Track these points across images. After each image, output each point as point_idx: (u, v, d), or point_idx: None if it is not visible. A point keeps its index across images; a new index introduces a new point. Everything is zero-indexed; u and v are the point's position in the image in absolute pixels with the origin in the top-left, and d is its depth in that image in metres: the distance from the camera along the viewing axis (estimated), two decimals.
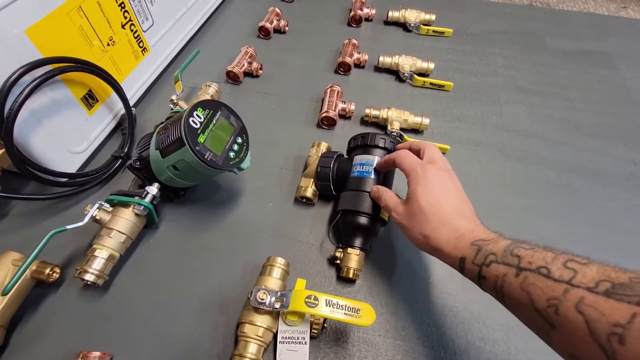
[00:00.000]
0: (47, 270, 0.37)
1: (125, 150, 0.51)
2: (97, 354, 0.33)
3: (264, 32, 0.71)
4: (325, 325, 0.36)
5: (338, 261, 0.40)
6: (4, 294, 0.33)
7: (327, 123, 0.55)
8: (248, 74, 0.64)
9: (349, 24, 0.74)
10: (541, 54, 0.69)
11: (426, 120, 0.53)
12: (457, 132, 0.56)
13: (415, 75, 0.61)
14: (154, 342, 0.36)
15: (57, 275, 0.38)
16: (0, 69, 0.37)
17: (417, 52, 0.65)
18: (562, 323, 0.21)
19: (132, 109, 0.53)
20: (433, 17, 0.73)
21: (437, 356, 0.36)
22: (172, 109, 0.50)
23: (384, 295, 0.40)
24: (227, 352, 0.36)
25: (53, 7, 0.41)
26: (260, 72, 0.63)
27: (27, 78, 0.39)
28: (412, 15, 0.72)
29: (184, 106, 0.50)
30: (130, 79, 0.55)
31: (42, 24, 0.40)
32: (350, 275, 0.38)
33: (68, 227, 0.36)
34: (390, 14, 0.73)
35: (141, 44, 0.57)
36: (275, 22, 0.71)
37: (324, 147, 0.49)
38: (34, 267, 0.37)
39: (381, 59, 0.63)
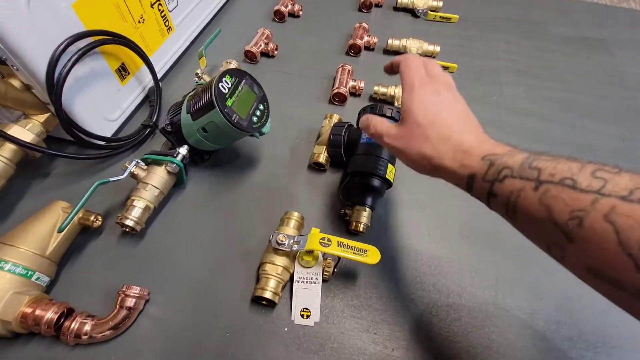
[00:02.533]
0: (92, 218, 0.42)
1: (154, 120, 0.55)
2: (136, 288, 0.38)
3: (279, 16, 0.75)
4: (335, 270, 0.41)
5: (347, 217, 0.44)
6: (59, 231, 0.38)
7: (338, 99, 0.59)
8: (264, 54, 0.68)
9: (359, 10, 0.78)
10: (542, 40, 0.73)
11: None
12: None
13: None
14: (183, 282, 0.42)
15: (100, 223, 0.43)
16: (50, 38, 0.41)
17: (424, 36, 0.68)
18: (585, 235, 0.20)
19: (159, 82, 0.57)
20: (440, 3, 0.76)
21: (432, 298, 0.41)
22: (196, 82, 0.55)
23: (386, 247, 0.44)
24: (248, 291, 0.41)
25: None
26: (275, 52, 0.68)
27: (73, 48, 0.43)
28: (420, 2, 0.76)
29: (208, 80, 0.55)
30: (156, 55, 0.60)
31: (84, 0, 0.45)
32: (360, 229, 0.43)
33: (111, 179, 0.42)
34: (399, 0, 0.76)
35: (167, 23, 0.61)
36: (289, 7, 0.75)
37: (335, 118, 0.53)
38: (80, 215, 0.42)
39: (390, 41, 0.67)
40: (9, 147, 0.43)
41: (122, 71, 0.53)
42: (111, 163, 0.52)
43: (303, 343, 0.38)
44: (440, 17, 0.76)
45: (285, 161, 0.53)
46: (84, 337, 0.36)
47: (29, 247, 0.37)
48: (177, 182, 0.48)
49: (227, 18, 0.76)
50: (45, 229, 0.39)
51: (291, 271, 0.39)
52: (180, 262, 0.43)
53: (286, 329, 0.38)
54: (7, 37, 0.38)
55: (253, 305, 0.40)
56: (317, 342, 0.38)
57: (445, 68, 0.65)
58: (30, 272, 0.36)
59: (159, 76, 0.61)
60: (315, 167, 0.51)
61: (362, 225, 0.43)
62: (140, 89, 0.58)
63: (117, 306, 0.37)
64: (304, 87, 0.63)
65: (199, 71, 0.55)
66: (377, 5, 0.79)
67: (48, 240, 0.39)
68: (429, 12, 0.75)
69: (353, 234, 0.45)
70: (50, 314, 0.35)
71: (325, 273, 0.40)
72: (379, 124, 0.34)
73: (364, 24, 0.70)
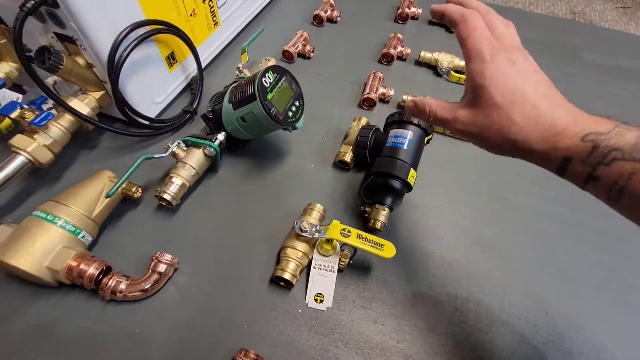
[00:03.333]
0: (133, 189, 0.46)
1: (194, 107, 0.59)
2: (168, 256, 0.42)
3: (317, 20, 0.78)
4: (350, 261, 0.43)
5: (366, 215, 0.47)
6: (107, 196, 0.42)
7: (367, 104, 0.62)
8: (301, 55, 0.71)
9: (395, 20, 0.81)
10: (574, 65, 0.73)
11: None
12: None
13: (452, 71, 0.67)
14: (210, 256, 0.45)
15: (139, 194, 0.47)
16: (116, 24, 0.46)
17: (457, 51, 0.69)
18: None
19: (202, 72, 0.61)
20: None
21: (440, 299, 0.43)
22: (237, 75, 0.59)
23: (401, 246, 0.46)
24: (267, 271, 0.44)
25: None
26: (311, 54, 0.71)
27: (133, 34, 0.48)
28: None
29: (248, 74, 0.59)
30: (202, 47, 0.64)
31: None
32: (378, 227, 0.45)
33: (155, 155, 0.46)
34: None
35: (214, 18, 0.65)
36: (329, 12, 0.79)
37: (364, 121, 0.56)
38: (123, 185, 0.46)
39: (422, 53, 0.69)
40: (67, 118, 0.48)
41: (171, 59, 0.58)
42: (152, 142, 0.57)
43: (314, 325, 0.40)
44: None
45: (312, 157, 0.56)
46: (119, 294, 0.39)
47: (79, 208, 0.41)
48: (212, 165, 0.51)
49: (268, 18, 0.80)
50: (93, 194, 0.43)
51: (310, 257, 0.42)
52: (207, 239, 0.47)
53: (300, 311, 0.41)
54: (81, 20, 0.42)
55: (271, 285, 0.43)
56: (328, 326, 0.40)
57: None
58: (77, 230, 0.41)
59: (202, 66, 0.65)
60: (340, 165, 0.54)
61: (380, 224, 0.45)
62: (184, 77, 0.62)
63: (150, 270, 0.41)
64: (336, 89, 0.66)
65: (240, 65, 0.59)
66: (413, 18, 0.81)
67: (94, 204, 0.43)
68: None
69: (370, 231, 0.47)
70: (92, 270, 0.38)
71: (341, 263, 0.42)
72: (441, 108, 0.29)
73: (399, 35, 0.73)
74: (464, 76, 0.67)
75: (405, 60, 0.72)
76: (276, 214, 0.49)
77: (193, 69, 0.63)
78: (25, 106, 0.44)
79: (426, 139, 0.50)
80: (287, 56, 0.70)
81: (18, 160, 0.44)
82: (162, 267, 0.41)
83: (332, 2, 0.81)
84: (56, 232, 0.39)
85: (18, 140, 0.44)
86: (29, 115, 0.44)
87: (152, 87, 0.56)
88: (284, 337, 0.39)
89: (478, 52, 0.27)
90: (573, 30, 0.82)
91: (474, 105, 0.27)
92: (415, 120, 0.48)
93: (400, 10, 0.80)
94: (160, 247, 0.45)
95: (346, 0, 0.86)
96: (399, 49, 0.70)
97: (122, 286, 0.39)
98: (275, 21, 0.79)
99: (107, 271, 0.40)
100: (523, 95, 0.25)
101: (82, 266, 0.38)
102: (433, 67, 0.70)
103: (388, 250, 0.38)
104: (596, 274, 0.45)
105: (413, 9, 0.80)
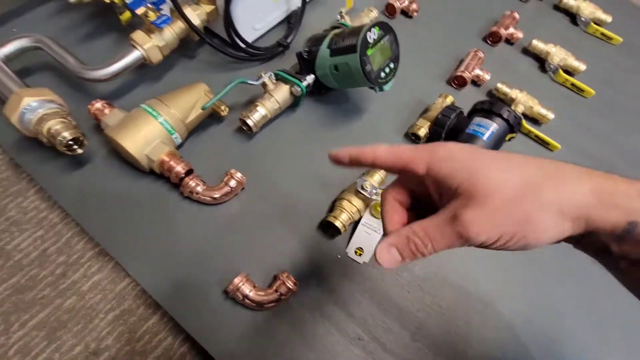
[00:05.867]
0: (222, 107, 0.51)
1: (288, 41, 0.61)
2: (240, 174, 0.47)
3: None
4: None
5: None
6: (203, 109, 0.47)
7: (457, 82, 0.60)
8: (404, 12, 0.68)
9: None
10: None
11: (550, 115, 0.56)
12: (575, 139, 0.57)
13: (561, 70, 0.61)
14: (273, 185, 0.50)
15: (226, 113, 0.52)
16: None
17: (575, 48, 0.63)
18: None
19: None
20: (609, 18, 0.69)
21: (468, 290, 0.45)
22: (337, 20, 0.58)
23: None
24: (319, 215, 0.48)
25: None
26: (415, 14, 0.68)
27: None
28: (587, 9, 0.69)
29: (348, 20, 0.58)
30: None
31: None
32: None
33: (248, 81, 0.49)
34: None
35: None
36: None
37: (449, 100, 0.55)
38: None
39: (534, 42, 0.63)
40: (179, 24, 0.52)
41: None
42: (242, 67, 0.60)
43: (348, 273, 0.45)
44: (602, 33, 0.68)
45: (387, 121, 0.56)
46: (194, 195, 0.46)
47: (177, 111, 0.47)
48: (294, 103, 0.54)
49: None
50: (190, 101, 0.48)
51: (362, 215, 0.45)
52: (273, 169, 0.51)
53: (339, 256, 0.46)
54: None
55: (320, 227, 0.47)
56: (360, 277, 0.45)
57: (580, 90, 0.61)
58: (173, 130, 0.46)
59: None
60: (412, 137, 0.54)
61: None
62: (285, 9, 0.63)
63: (223, 183, 0.46)
64: (429, 58, 0.63)
65: (343, 10, 0.58)
66: None
67: (189, 112, 0.48)
68: (592, 23, 0.68)
69: None
70: (179, 168, 0.45)
71: None
72: (435, 229, 0.22)
73: (515, 14, 0.66)
74: (571, 78, 0.61)
75: (512, 44, 0.66)
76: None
77: (295, 3, 0.63)
78: (150, 5, 0.48)
79: (509, 136, 0.48)
80: (389, 10, 0.67)
81: (134, 55, 0.49)
82: (233, 183, 0.46)
83: None
84: (157, 127, 0.45)
85: (138, 36, 0.49)
86: (152, 15, 0.48)
87: (256, 13, 0.57)
88: (319, 273, 0.45)
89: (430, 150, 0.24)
90: None
91: (485, 202, 0.21)
92: (505, 114, 0.46)
93: None
94: (233, 164, 0.50)
95: None
96: (511, 30, 0.65)
97: (199, 189, 0.45)
98: None
99: (189, 172, 0.46)
100: (534, 170, 0.22)
101: (172, 162, 0.44)
102: (541, 60, 0.64)
103: None
104: None
105: None
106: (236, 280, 0.40)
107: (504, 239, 0.20)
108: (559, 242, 0.21)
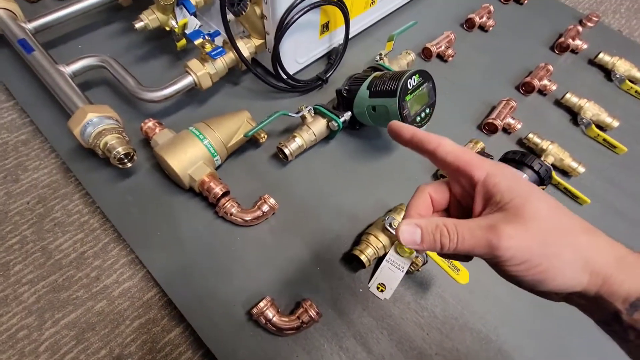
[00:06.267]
0: (262, 134, 0.54)
1: (327, 76, 0.64)
2: (273, 200, 0.49)
3: (468, 24, 0.76)
4: (419, 269, 0.47)
5: None
6: (246, 136, 0.50)
7: (488, 129, 0.61)
8: (439, 56, 0.71)
9: (551, 48, 0.75)
10: None
11: (581, 169, 0.56)
12: (605, 194, 0.57)
13: (594, 125, 0.62)
14: (301, 213, 0.52)
15: (264, 140, 0.55)
16: None
17: (608, 104, 0.64)
18: None
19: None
20: None
21: (488, 337, 0.44)
22: (376, 61, 0.61)
23: (473, 279, 0.48)
24: (345, 247, 0.49)
25: None
26: (450, 58, 0.70)
27: (307, 1, 0.52)
28: (622, 66, 0.70)
29: (387, 62, 0.61)
30: (353, 21, 0.67)
31: None
32: None
33: (290, 113, 0.52)
34: (600, 55, 0.71)
35: None
36: (484, 19, 0.75)
37: (479, 146, 0.56)
38: None
39: (567, 95, 0.64)
40: (231, 55, 0.56)
41: (325, 27, 0.62)
42: (282, 96, 0.63)
43: (369, 307, 0.45)
44: (637, 91, 0.69)
45: (416, 160, 0.58)
46: (229, 215, 0.48)
47: (221, 135, 0.50)
48: (329, 136, 0.57)
49: (420, 7, 0.79)
50: (233, 127, 0.51)
51: (386, 251, 0.46)
52: (303, 197, 0.53)
53: (361, 290, 0.46)
54: None
55: (344, 259, 0.48)
56: (380, 313, 0.45)
57: (612, 146, 0.61)
58: (215, 153, 0.49)
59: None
60: (441, 178, 0.56)
61: None
62: (327, 46, 0.67)
63: (256, 206, 0.49)
64: (462, 103, 0.65)
65: (382, 52, 0.61)
66: (572, 51, 0.74)
67: (232, 136, 0.51)
68: (627, 81, 0.69)
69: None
70: (218, 189, 0.47)
71: (412, 267, 0.46)
72: (467, 231, 0.22)
73: (549, 66, 0.68)
74: (603, 134, 0.61)
75: (545, 95, 0.67)
76: (367, 198, 0.53)
77: (337, 41, 0.67)
78: (207, 37, 0.53)
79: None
80: (426, 53, 0.70)
81: (187, 80, 0.53)
82: (265, 207, 0.49)
83: (492, 9, 0.77)
84: (202, 149, 0.48)
85: (193, 64, 0.53)
86: (208, 47, 0.52)
87: (301, 48, 0.61)
88: (340, 305, 0.45)
89: (483, 164, 0.25)
90: None
91: (529, 220, 0.22)
92: (536, 167, 0.47)
93: (561, 39, 0.73)
94: (266, 189, 0.52)
95: (506, 10, 0.81)
96: (545, 82, 0.66)
97: (233, 210, 0.48)
98: (426, 14, 0.78)
99: (225, 193, 0.49)
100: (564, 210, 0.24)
101: (211, 183, 0.47)
102: (573, 113, 0.65)
103: (463, 276, 0.41)
104: None
105: (577, 42, 0.73)
106: (261, 304, 0.41)
107: (527, 265, 0.21)
108: (569, 295, 0.22)
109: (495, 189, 0.23)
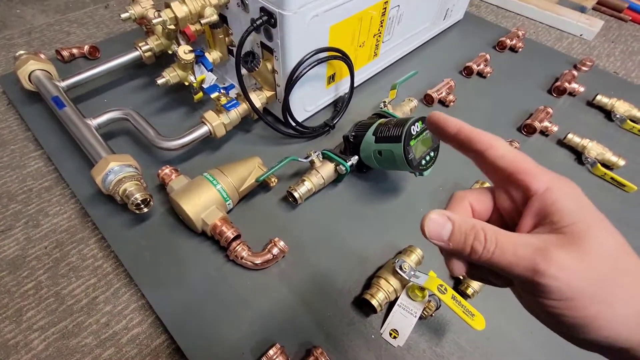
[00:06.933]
0: (272, 178, 0.56)
1: (334, 122, 0.67)
2: (283, 243, 0.50)
3: (467, 71, 0.80)
4: (433, 315, 0.45)
5: (462, 277, 0.48)
6: (257, 181, 0.52)
7: None
8: (441, 101, 0.74)
9: (549, 92, 0.78)
10: None
11: None
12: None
13: (599, 164, 0.62)
14: (311, 256, 0.52)
15: (274, 184, 0.56)
16: (306, 45, 0.55)
17: (611, 144, 0.65)
18: None
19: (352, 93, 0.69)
20: None
21: None
22: (381, 108, 0.65)
23: (489, 322, 0.47)
24: (355, 289, 0.48)
25: (350, 14, 0.59)
26: (452, 103, 0.74)
27: (315, 57, 0.57)
28: (622, 107, 0.72)
29: (390, 109, 0.64)
30: (357, 73, 0.72)
31: (340, 24, 0.58)
32: (469, 292, 0.47)
33: (299, 159, 0.54)
34: (598, 97, 0.73)
35: (376, 50, 0.73)
36: (481, 66, 0.80)
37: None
38: None
39: (570, 136, 0.66)
40: (244, 106, 0.60)
41: (331, 78, 0.67)
42: (290, 142, 0.66)
43: (382, 355, 0.44)
44: (639, 130, 0.70)
45: (424, 201, 0.59)
46: (239, 259, 0.48)
47: (233, 180, 0.52)
48: (336, 179, 0.58)
49: (421, 57, 0.85)
50: (245, 172, 0.54)
51: (398, 295, 0.46)
52: (313, 240, 0.53)
53: (373, 337, 0.45)
54: (286, 39, 0.53)
55: (355, 303, 0.48)
56: None
57: (621, 185, 0.61)
58: (227, 197, 0.51)
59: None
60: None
61: (472, 290, 0.46)
62: (334, 95, 0.71)
63: (267, 250, 0.49)
64: None
65: (386, 100, 0.65)
66: (570, 94, 0.77)
67: (243, 182, 0.53)
68: (628, 120, 0.71)
69: (459, 293, 0.48)
70: (229, 233, 0.48)
71: (424, 312, 0.45)
72: (510, 243, 0.19)
73: (549, 109, 0.70)
74: (611, 173, 0.62)
75: (547, 136, 0.69)
76: (377, 241, 0.54)
77: (343, 90, 0.71)
78: (223, 91, 0.57)
79: None
80: (427, 99, 0.73)
81: (203, 129, 0.57)
82: (275, 251, 0.49)
83: (488, 57, 0.81)
84: (215, 194, 0.50)
85: (209, 115, 0.57)
86: (223, 100, 0.56)
87: (308, 98, 0.65)
88: (352, 352, 0.44)
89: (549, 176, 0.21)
90: None
91: (589, 251, 0.19)
92: None
93: (558, 83, 0.77)
94: (276, 232, 0.53)
95: (503, 59, 0.85)
96: (545, 124, 0.68)
97: (244, 254, 0.48)
98: (426, 62, 0.84)
99: (237, 237, 0.50)
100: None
101: (223, 228, 0.48)
102: (577, 153, 0.66)
103: (478, 321, 0.39)
104: None
105: (574, 85, 0.76)
106: (271, 352, 0.40)
107: (571, 304, 0.17)
108: (609, 348, 0.18)
109: (554, 207, 0.19)
